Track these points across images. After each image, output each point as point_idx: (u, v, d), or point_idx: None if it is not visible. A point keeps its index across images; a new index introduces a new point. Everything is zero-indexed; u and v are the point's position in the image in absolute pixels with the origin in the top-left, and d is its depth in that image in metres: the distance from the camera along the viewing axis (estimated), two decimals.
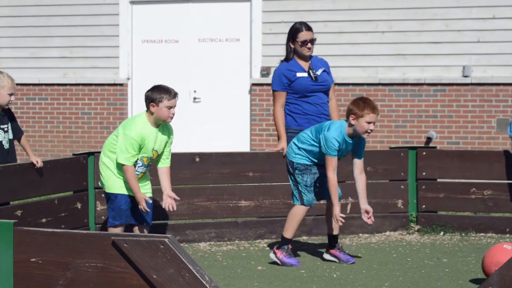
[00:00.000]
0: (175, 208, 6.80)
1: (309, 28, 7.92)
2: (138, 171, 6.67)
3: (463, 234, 8.23)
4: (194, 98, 13.19)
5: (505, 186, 8.27)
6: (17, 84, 13.39)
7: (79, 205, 7.47)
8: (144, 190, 6.73)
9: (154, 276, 3.67)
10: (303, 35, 7.88)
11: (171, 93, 6.67)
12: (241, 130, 13.02)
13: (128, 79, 13.30)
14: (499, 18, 12.03)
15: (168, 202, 6.75)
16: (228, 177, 8.01)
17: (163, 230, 7.71)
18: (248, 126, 12.99)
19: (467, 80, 12.13)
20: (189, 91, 13.20)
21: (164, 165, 6.80)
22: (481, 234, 8.24)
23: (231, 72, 13.06)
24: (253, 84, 12.89)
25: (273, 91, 8.02)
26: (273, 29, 12.66)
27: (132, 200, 6.69)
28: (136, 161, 6.63)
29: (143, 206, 6.59)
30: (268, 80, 12.19)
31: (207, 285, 3.62)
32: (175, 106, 6.66)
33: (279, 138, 8.01)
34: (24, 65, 13.60)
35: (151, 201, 6.75)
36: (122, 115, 13.23)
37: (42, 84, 13.53)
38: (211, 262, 7.07)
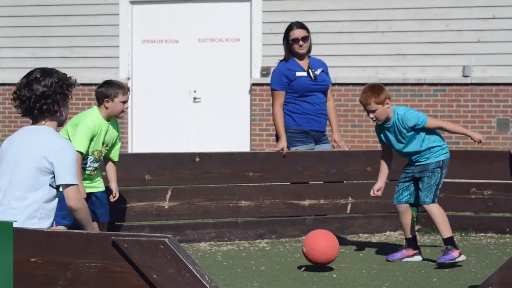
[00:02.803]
0: (116, 197, 6.87)
1: (300, 26, 7.97)
2: (91, 166, 6.71)
3: (463, 234, 8.23)
4: (194, 98, 13.19)
5: (505, 186, 8.27)
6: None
7: None
8: (97, 185, 6.81)
9: (154, 276, 3.67)
10: (294, 33, 7.94)
11: (125, 88, 6.75)
12: (241, 130, 13.02)
13: (128, 79, 13.30)
14: (499, 18, 12.03)
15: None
16: (228, 177, 8.01)
17: (163, 230, 7.71)
18: (248, 126, 12.99)
19: (467, 80, 12.14)
20: (189, 91, 13.20)
21: (114, 158, 6.90)
22: (481, 234, 8.23)
23: (231, 72, 13.06)
24: (253, 84, 12.89)
25: (272, 90, 8.03)
26: (273, 29, 12.66)
27: (88, 197, 6.71)
28: (87, 156, 6.65)
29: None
30: (268, 80, 12.18)
31: (207, 285, 3.62)
32: (127, 100, 6.77)
33: (277, 138, 8.01)
34: (24, 65, 13.59)
35: (105, 195, 6.84)
36: None
37: None
38: (211, 262, 7.07)
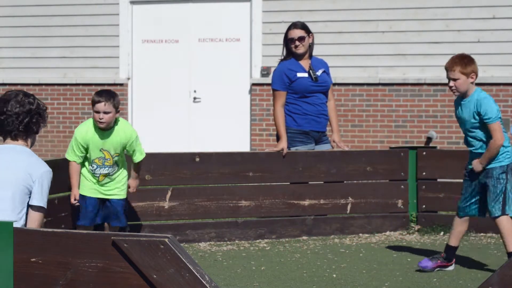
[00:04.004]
0: (130, 191, 7.15)
1: (297, 26, 7.98)
2: (97, 174, 6.93)
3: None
4: (194, 98, 13.19)
5: None
6: (17, 84, 13.49)
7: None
8: (112, 193, 6.99)
9: (154, 276, 3.67)
10: (290, 33, 8.00)
11: (95, 99, 6.83)
12: (241, 130, 13.02)
13: (128, 79, 13.30)
14: (499, 18, 12.03)
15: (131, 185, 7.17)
16: (228, 177, 8.01)
17: (163, 230, 7.71)
18: (248, 126, 12.99)
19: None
20: (189, 91, 13.20)
21: (135, 161, 7.08)
22: (481, 234, 8.23)
23: (231, 72, 13.06)
24: (253, 84, 12.89)
25: (274, 90, 8.02)
26: (273, 29, 12.66)
27: (101, 202, 6.99)
28: (91, 165, 6.91)
29: (72, 201, 6.90)
30: (268, 80, 12.19)
31: (207, 285, 3.62)
32: (104, 111, 6.78)
33: (278, 138, 8.01)
34: (24, 65, 13.60)
35: (121, 202, 7.01)
36: (122, 115, 13.23)
37: (42, 84, 13.53)
38: (211, 262, 7.07)
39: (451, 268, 6.68)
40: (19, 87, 13.51)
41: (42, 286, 3.90)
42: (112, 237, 3.74)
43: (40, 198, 4.60)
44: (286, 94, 7.96)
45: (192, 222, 8.00)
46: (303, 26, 8.01)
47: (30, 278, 3.91)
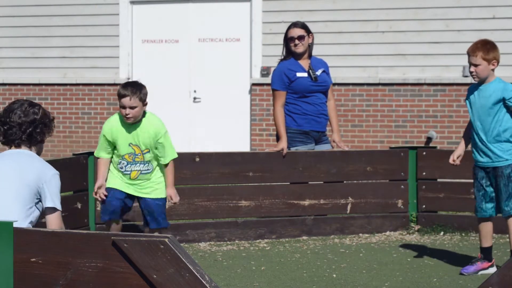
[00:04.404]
0: (172, 201, 6.73)
1: (297, 26, 8.00)
2: (127, 171, 6.59)
3: (463, 234, 8.23)
4: (194, 98, 13.19)
5: None
6: (17, 84, 13.49)
7: (79, 205, 7.47)
8: (146, 192, 6.64)
9: (154, 276, 3.67)
10: (290, 32, 8.01)
11: (120, 92, 6.49)
12: (241, 130, 13.02)
13: (128, 79, 13.29)
14: (499, 18, 12.03)
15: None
16: (228, 177, 8.01)
17: (163, 230, 7.70)
18: (248, 126, 12.98)
19: (467, 80, 12.13)
20: (189, 91, 13.20)
21: (162, 162, 6.64)
22: None
23: (231, 72, 13.06)
24: (253, 84, 12.89)
25: (273, 90, 8.02)
26: (273, 29, 12.66)
27: (129, 198, 6.65)
28: (120, 161, 6.58)
29: (97, 192, 6.57)
30: (268, 80, 12.18)
31: (207, 285, 3.62)
32: (130, 106, 6.42)
33: (278, 138, 8.01)
34: (24, 65, 13.60)
35: (157, 203, 6.67)
36: None
37: (42, 84, 13.53)
38: (211, 262, 7.07)
39: (492, 269, 6.51)
40: (19, 87, 13.52)
41: (42, 286, 3.90)
42: (112, 237, 3.75)
43: (51, 200, 4.68)
44: (286, 94, 7.96)
45: (192, 222, 8.00)
46: (303, 26, 8.02)
47: (30, 278, 3.91)
